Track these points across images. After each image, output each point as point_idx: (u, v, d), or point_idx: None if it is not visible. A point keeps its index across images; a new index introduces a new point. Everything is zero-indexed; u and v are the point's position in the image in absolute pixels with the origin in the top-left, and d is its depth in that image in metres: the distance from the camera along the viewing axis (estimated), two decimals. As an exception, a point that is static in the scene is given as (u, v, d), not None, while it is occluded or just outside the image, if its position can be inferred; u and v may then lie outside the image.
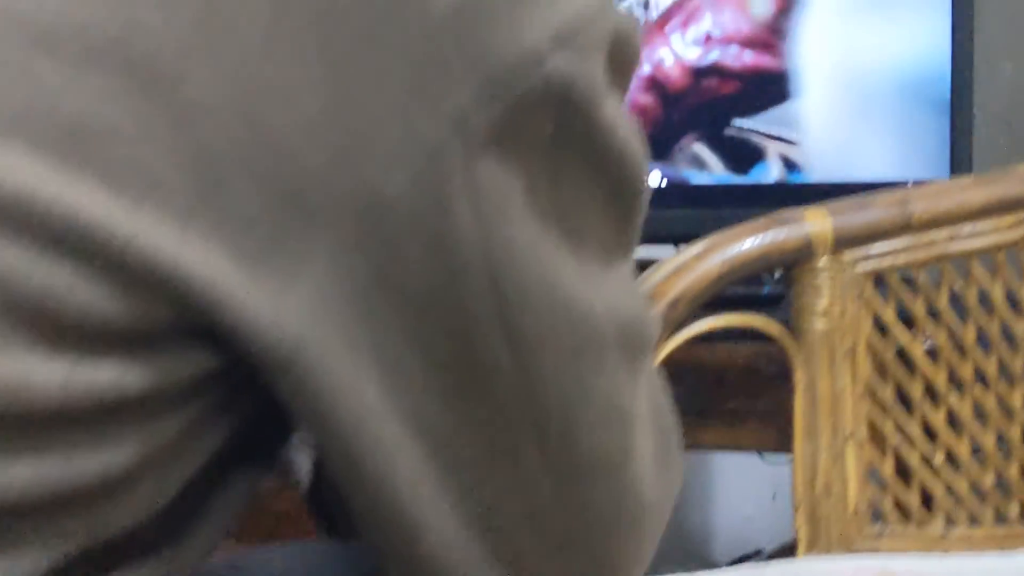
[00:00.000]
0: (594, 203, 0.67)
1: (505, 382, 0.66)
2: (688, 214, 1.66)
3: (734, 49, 1.64)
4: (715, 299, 1.32)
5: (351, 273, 0.62)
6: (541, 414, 0.67)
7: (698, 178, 1.67)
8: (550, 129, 0.64)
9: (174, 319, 0.60)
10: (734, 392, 1.39)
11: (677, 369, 1.41)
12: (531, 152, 0.64)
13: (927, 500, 1.18)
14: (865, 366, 1.15)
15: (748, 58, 1.64)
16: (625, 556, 0.72)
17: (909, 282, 1.17)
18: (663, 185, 1.68)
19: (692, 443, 1.45)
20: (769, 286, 1.61)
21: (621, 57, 0.67)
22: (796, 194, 1.44)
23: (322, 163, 0.61)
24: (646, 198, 0.70)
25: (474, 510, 0.66)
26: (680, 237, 1.39)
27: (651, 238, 0.87)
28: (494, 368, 0.66)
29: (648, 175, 0.70)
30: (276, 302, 0.61)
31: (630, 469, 0.70)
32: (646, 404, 0.73)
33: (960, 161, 1.59)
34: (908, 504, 1.17)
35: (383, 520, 0.65)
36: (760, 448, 1.41)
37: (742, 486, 2.10)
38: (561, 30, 0.63)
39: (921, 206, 1.16)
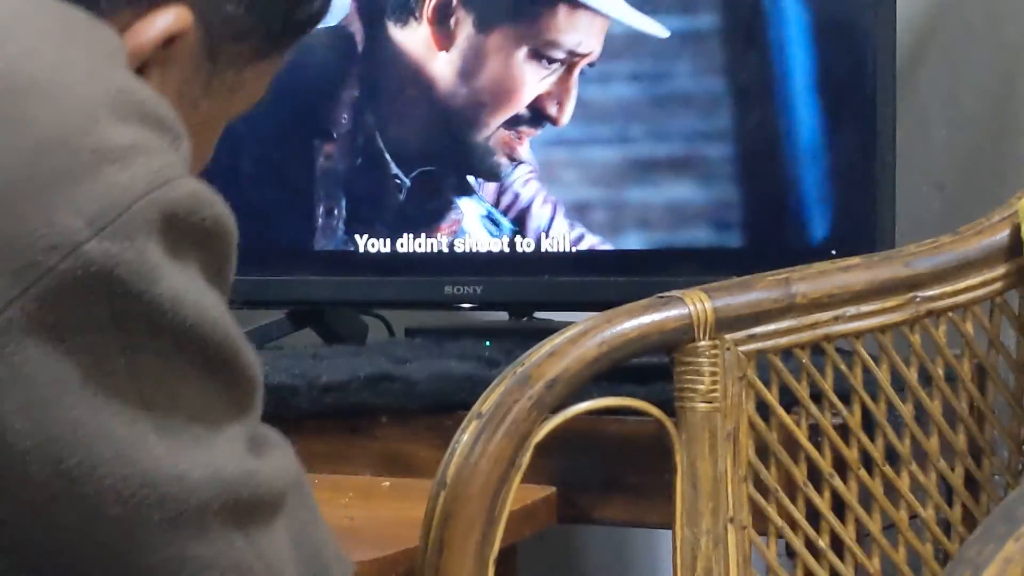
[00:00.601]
0: (183, 374, 0.68)
1: (94, 556, 0.67)
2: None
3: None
4: (620, 370, 1.32)
5: None
6: None
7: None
8: (107, 311, 0.65)
9: None
10: (637, 466, 1.38)
11: (581, 442, 1.40)
12: (89, 334, 0.65)
13: (812, 584, 1.17)
14: (747, 448, 1.14)
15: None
16: None
17: (792, 361, 1.16)
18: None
19: (597, 517, 1.45)
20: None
21: (186, 229, 0.67)
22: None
23: None
24: (244, 360, 0.71)
25: None
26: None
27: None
28: (79, 546, 0.66)
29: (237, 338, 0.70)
30: None
31: None
32: (287, 552, 0.73)
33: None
34: (792, 588, 1.16)
35: None
36: (664, 524, 1.40)
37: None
38: (96, 216, 0.64)
39: (803, 287, 1.15)
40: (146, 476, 0.68)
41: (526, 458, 1.10)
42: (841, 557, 1.16)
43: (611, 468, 1.42)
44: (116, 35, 0.73)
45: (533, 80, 1.64)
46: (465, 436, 1.10)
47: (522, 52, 1.64)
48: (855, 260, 1.18)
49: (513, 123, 1.65)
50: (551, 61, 1.64)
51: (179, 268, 0.68)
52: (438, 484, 1.10)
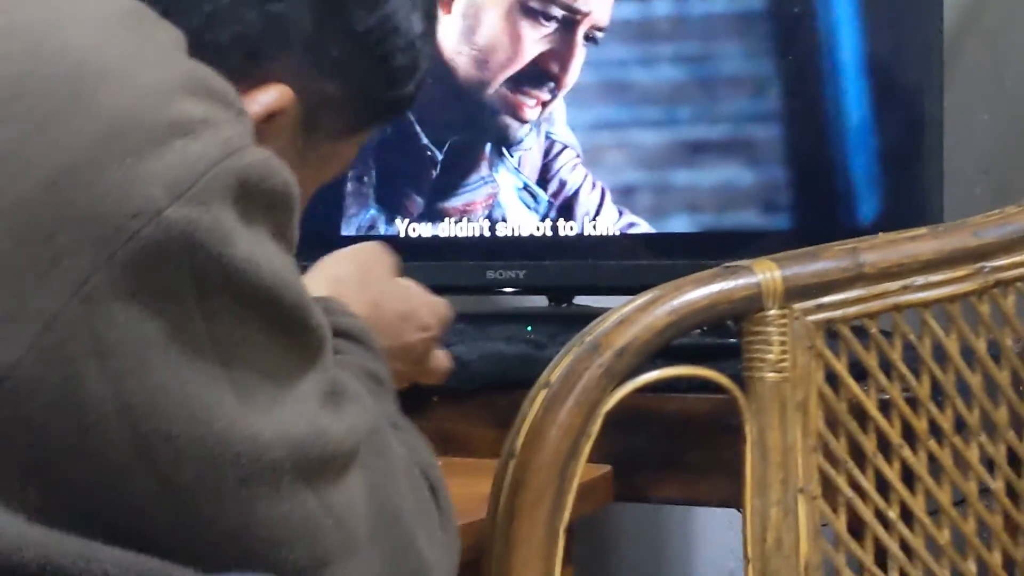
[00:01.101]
0: (259, 334, 0.71)
1: (165, 521, 0.69)
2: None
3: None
4: (682, 349, 1.31)
5: None
6: (206, 548, 0.70)
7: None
8: (187, 274, 0.68)
9: None
10: (695, 444, 1.38)
11: (637, 420, 1.40)
12: (171, 298, 0.68)
13: (881, 556, 1.15)
14: (816, 418, 1.13)
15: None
16: None
17: (862, 333, 1.15)
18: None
19: (653, 496, 1.45)
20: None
21: (257, 194, 0.71)
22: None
23: None
24: (315, 319, 0.74)
25: None
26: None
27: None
28: (150, 510, 0.69)
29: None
30: None
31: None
32: (360, 506, 0.77)
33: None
34: (861, 560, 1.15)
35: None
36: (721, 502, 1.39)
37: (726, 535, 2.07)
38: (174, 184, 0.67)
39: (872, 257, 1.14)
40: (221, 437, 0.70)
41: (596, 427, 1.09)
42: (911, 529, 1.15)
43: (667, 446, 1.41)
44: (174, 28, 0.76)
45: (532, 39, 1.63)
46: (534, 406, 1.09)
47: (516, 8, 1.63)
48: (922, 230, 1.17)
49: (516, 83, 1.64)
50: (548, 19, 1.63)
51: (252, 231, 0.71)
52: (507, 454, 1.09)
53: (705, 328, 1.62)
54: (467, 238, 1.67)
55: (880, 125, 1.58)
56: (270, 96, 0.83)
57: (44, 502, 0.68)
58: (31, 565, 0.67)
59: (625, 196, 1.63)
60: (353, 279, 1.06)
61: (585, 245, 1.64)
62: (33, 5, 0.73)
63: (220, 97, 0.73)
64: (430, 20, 0.93)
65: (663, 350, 1.11)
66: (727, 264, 1.14)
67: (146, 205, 0.67)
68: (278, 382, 0.72)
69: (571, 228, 1.64)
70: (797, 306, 1.13)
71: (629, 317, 1.10)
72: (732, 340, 1.57)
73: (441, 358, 1.14)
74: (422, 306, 1.11)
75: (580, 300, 1.73)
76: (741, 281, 1.12)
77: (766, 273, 1.12)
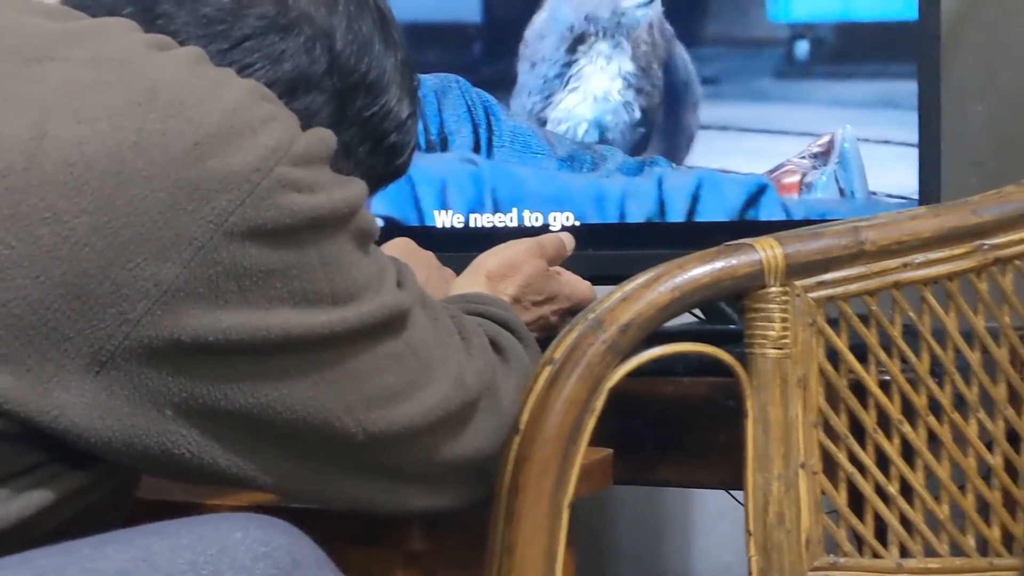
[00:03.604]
0: (354, 254, 0.98)
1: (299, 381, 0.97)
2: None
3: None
4: (682, 333, 1.32)
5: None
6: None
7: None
8: (304, 212, 0.93)
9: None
10: (693, 428, 1.39)
11: (636, 404, 1.41)
12: (290, 233, 0.93)
13: (881, 530, 1.17)
14: (817, 395, 1.15)
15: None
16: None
17: (862, 311, 1.16)
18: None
19: (653, 478, 1.46)
20: (737, 325, 1.61)
21: (322, 154, 0.96)
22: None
23: (101, 264, 0.89)
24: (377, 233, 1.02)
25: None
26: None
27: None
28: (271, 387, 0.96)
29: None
30: (45, 403, 0.90)
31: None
32: (429, 333, 1.04)
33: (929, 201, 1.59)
34: (862, 534, 1.16)
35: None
36: (718, 485, 1.40)
37: (722, 527, 2.09)
38: (275, 149, 0.93)
39: (872, 235, 1.15)
40: (331, 321, 0.96)
41: (600, 402, 1.10)
42: (911, 503, 1.17)
43: (666, 430, 1.42)
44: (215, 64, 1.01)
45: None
46: (539, 382, 1.10)
47: None
48: (922, 209, 1.18)
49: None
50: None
51: (328, 178, 0.96)
52: (511, 429, 1.10)
53: (706, 317, 1.65)
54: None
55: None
56: None
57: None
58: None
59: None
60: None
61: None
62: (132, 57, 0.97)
63: (273, 98, 0.98)
64: (414, 102, 1.15)
65: (658, 334, 1.12)
66: (729, 242, 1.15)
67: (262, 163, 0.92)
68: (368, 285, 0.98)
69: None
70: (798, 283, 1.14)
71: (633, 294, 1.12)
72: (733, 326, 1.59)
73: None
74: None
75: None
76: (743, 258, 1.14)
77: (767, 250, 1.14)
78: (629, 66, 1.61)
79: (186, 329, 0.91)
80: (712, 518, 2.12)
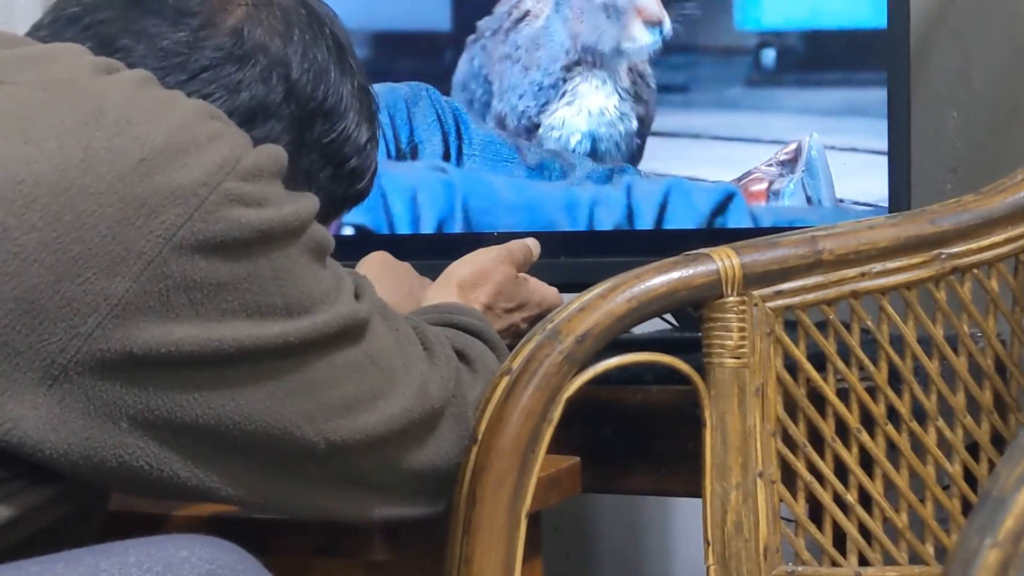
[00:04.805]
0: (308, 267, 0.98)
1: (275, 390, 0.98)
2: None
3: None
4: (650, 342, 1.32)
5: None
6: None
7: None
8: (253, 225, 0.94)
9: None
10: (661, 436, 1.39)
11: (604, 412, 1.41)
12: (240, 246, 0.94)
13: (840, 539, 1.17)
14: (775, 404, 1.15)
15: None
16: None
17: (820, 320, 1.17)
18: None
19: (621, 487, 1.46)
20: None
21: (272, 169, 0.97)
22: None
23: (51, 279, 0.90)
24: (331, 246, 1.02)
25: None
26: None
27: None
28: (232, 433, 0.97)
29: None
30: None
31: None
32: (389, 342, 1.04)
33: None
34: (821, 543, 1.17)
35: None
36: (688, 492, 1.40)
37: (700, 540, 2.08)
38: (222, 165, 0.94)
39: (830, 244, 1.16)
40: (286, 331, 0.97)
41: (557, 412, 1.11)
42: (869, 512, 1.17)
43: (634, 438, 1.43)
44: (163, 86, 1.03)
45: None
46: (496, 392, 1.11)
47: None
48: (880, 219, 1.19)
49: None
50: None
51: (278, 193, 0.97)
52: (469, 440, 1.11)
53: (677, 324, 1.66)
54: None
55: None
56: None
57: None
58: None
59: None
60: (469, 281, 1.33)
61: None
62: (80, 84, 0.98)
63: (221, 116, 1.00)
64: (373, 126, 1.17)
65: (628, 342, 1.13)
66: (687, 252, 1.15)
67: (210, 178, 0.93)
68: (324, 296, 0.99)
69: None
70: (756, 293, 1.15)
71: (589, 304, 1.12)
72: (699, 334, 1.59)
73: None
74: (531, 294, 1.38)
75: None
76: (700, 268, 1.14)
77: (724, 260, 1.14)
78: (625, 82, 1.61)
79: (138, 342, 0.92)
80: (692, 526, 2.12)
